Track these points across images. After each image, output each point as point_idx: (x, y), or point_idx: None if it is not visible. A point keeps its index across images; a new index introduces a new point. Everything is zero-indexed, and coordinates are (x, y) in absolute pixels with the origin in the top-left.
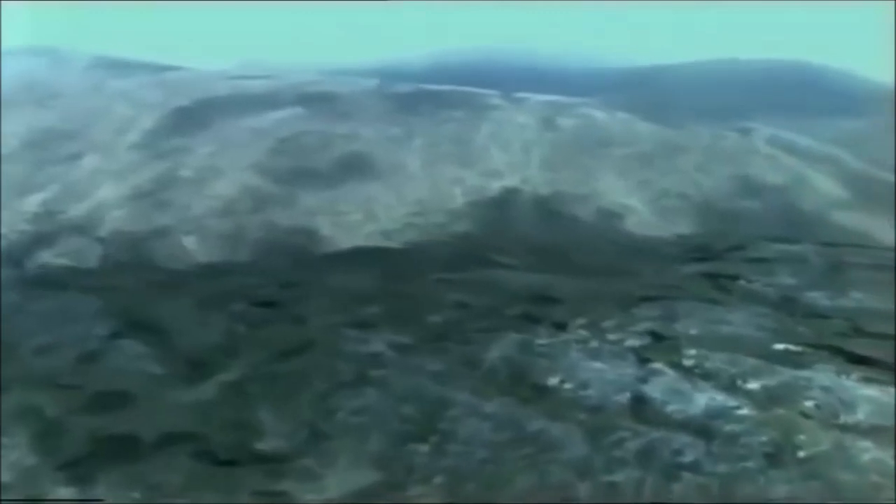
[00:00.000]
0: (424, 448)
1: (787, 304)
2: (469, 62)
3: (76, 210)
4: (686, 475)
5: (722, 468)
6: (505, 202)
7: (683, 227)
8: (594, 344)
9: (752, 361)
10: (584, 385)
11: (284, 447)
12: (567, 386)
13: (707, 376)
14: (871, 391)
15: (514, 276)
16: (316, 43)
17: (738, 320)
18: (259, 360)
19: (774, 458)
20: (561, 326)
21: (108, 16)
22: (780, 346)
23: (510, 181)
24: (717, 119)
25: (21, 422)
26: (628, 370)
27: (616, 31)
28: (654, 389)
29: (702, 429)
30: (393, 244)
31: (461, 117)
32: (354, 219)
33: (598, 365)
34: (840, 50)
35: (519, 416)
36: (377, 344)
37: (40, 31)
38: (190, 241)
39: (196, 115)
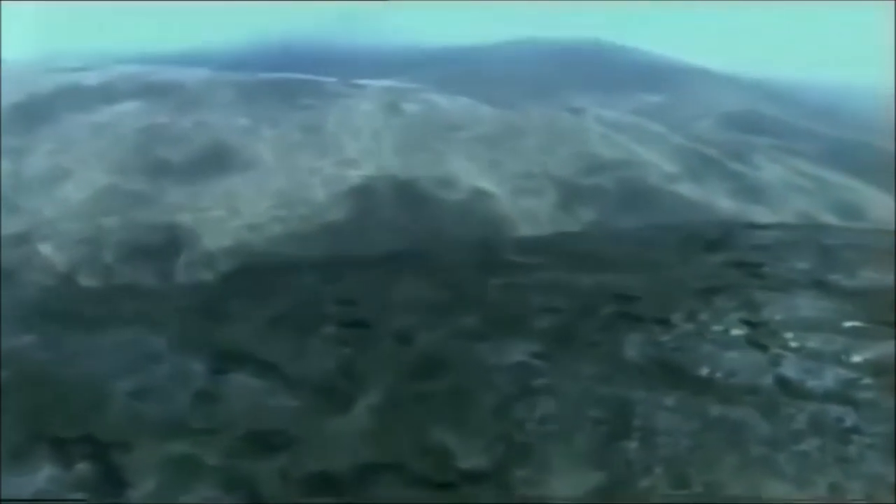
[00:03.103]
0: (633, 444)
1: (820, 287)
2: (278, 48)
3: None
4: (854, 437)
5: (879, 429)
6: (367, 190)
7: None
8: (709, 336)
9: (840, 339)
10: (731, 373)
11: (488, 463)
12: (718, 375)
13: (814, 356)
14: None
15: (562, 276)
16: (129, 29)
17: (801, 304)
18: (390, 382)
19: None
20: (664, 322)
21: None
22: (848, 324)
23: (367, 169)
24: (536, 98)
25: (188, 473)
26: (755, 356)
27: (421, 12)
28: (787, 370)
29: (844, 399)
30: (258, 239)
31: (308, 105)
32: (217, 214)
33: (730, 354)
34: (633, 27)
35: (696, 405)
36: (511, 354)
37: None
38: (46, 248)
39: (29, 110)
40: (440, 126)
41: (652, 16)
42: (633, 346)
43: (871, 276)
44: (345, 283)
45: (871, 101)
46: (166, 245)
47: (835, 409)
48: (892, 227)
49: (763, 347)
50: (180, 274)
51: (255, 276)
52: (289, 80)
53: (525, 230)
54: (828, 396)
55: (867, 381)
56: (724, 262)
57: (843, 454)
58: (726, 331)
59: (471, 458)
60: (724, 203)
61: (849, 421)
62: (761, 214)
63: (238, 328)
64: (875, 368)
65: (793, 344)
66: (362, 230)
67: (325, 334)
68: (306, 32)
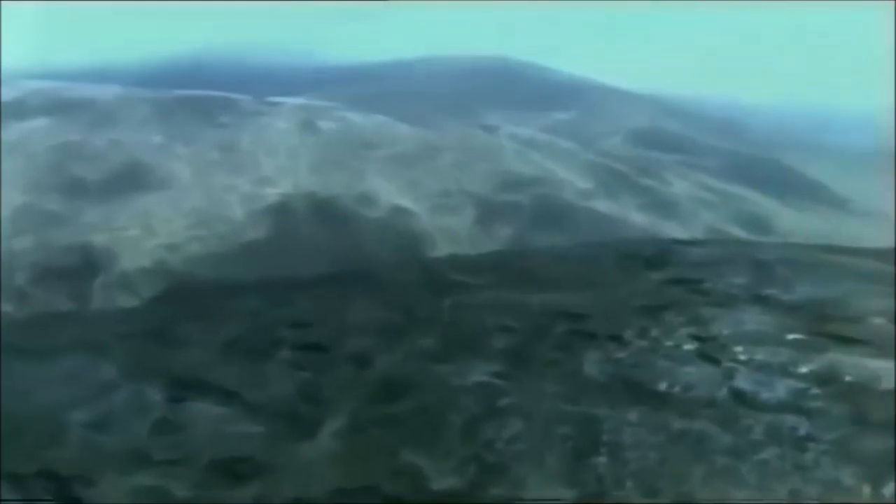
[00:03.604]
0: (603, 460)
1: (760, 301)
2: (190, 64)
3: None
4: (810, 444)
5: (830, 436)
6: (286, 209)
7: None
8: (663, 351)
9: (785, 351)
10: (688, 387)
11: (462, 483)
12: (676, 389)
13: (764, 368)
14: (882, 363)
15: (509, 295)
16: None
17: (745, 318)
18: (353, 405)
19: (861, 422)
20: (617, 339)
21: None
22: (791, 337)
23: (284, 187)
24: (449, 116)
25: None
26: (709, 370)
27: (328, 28)
28: (741, 383)
29: (796, 409)
30: (176, 259)
31: (223, 123)
32: (133, 234)
33: (685, 368)
34: (542, 46)
35: (659, 420)
36: (473, 374)
37: None
38: None
39: None
40: (356, 144)
41: (560, 34)
42: (591, 364)
43: (805, 291)
44: (295, 305)
45: (765, 117)
46: (82, 266)
47: (789, 419)
48: (812, 242)
49: (715, 361)
50: (97, 296)
51: (198, 299)
52: (203, 98)
53: (444, 247)
54: (781, 407)
55: (815, 391)
56: (665, 279)
57: (801, 461)
58: (678, 346)
59: (444, 479)
60: (638, 218)
61: (803, 430)
62: (672, 229)
63: (190, 354)
64: (820, 378)
65: (742, 357)
66: (283, 249)
67: (281, 358)
68: (218, 48)
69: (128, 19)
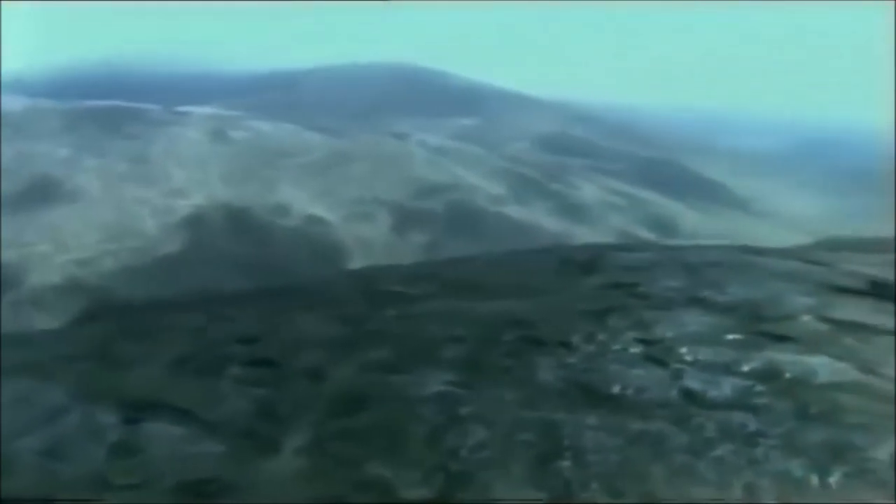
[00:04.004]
0: (567, 464)
1: (697, 303)
2: (96, 74)
3: None
4: (760, 440)
5: (777, 430)
6: (200, 221)
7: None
8: (611, 355)
9: (727, 350)
10: (640, 390)
11: (430, 492)
12: (629, 392)
13: (709, 368)
14: (817, 359)
15: (453, 304)
16: None
17: (686, 321)
18: (313, 420)
19: (803, 416)
20: (566, 345)
21: None
22: (730, 337)
23: (197, 199)
24: (357, 123)
25: None
26: (658, 372)
27: (234, 35)
28: (690, 383)
29: (744, 406)
30: (89, 275)
31: (132, 134)
32: (43, 249)
33: (636, 371)
34: (447, 53)
35: (617, 422)
36: (429, 385)
37: None
38: None
39: None
40: (268, 153)
41: (465, 42)
42: (544, 370)
43: (736, 292)
44: (237, 321)
45: (663, 121)
46: None
47: (738, 416)
48: (715, 242)
49: (663, 363)
50: (7, 313)
51: (131, 316)
52: (112, 108)
53: (360, 255)
54: (729, 404)
55: (759, 388)
56: (602, 284)
57: (752, 456)
58: (625, 349)
59: (412, 490)
60: (549, 223)
61: (752, 426)
62: (583, 233)
63: (137, 374)
64: (762, 376)
65: (688, 358)
66: (199, 262)
67: (233, 375)
68: (125, 58)
69: (37, 27)
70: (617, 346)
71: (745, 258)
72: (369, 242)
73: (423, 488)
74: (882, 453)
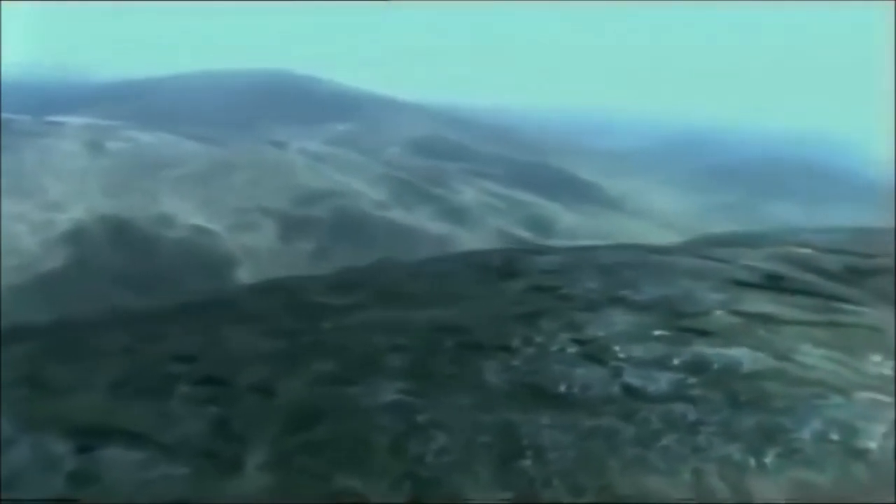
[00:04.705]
0: (528, 462)
1: (618, 303)
2: None
3: None
4: (700, 428)
5: (714, 418)
6: (81, 235)
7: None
8: (551, 356)
9: (657, 346)
10: (585, 387)
11: (401, 498)
12: (575, 390)
13: (643, 364)
14: (737, 351)
15: (384, 314)
16: None
17: (614, 320)
18: (271, 436)
19: (734, 404)
20: (506, 349)
21: None
22: (657, 333)
23: (76, 212)
24: (231, 131)
25: None
26: (598, 370)
27: (101, 43)
28: (629, 379)
29: (681, 397)
30: None
31: (2, 146)
32: None
33: (578, 370)
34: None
35: (568, 420)
36: (382, 394)
37: None
38: None
39: None
40: (147, 164)
41: (336, 47)
42: (491, 374)
43: (651, 290)
44: (167, 339)
45: (535, 122)
46: None
47: (678, 407)
48: (613, 243)
49: (601, 361)
50: None
51: (47, 338)
52: None
53: (248, 265)
54: (668, 397)
55: (692, 380)
56: (524, 288)
57: (696, 444)
58: (563, 350)
59: (382, 498)
60: (433, 227)
61: (691, 416)
62: (465, 236)
63: (79, 399)
64: (693, 368)
65: (622, 355)
66: (84, 277)
67: (181, 395)
68: None
69: None
70: (554, 348)
71: (650, 258)
72: (256, 252)
73: (393, 495)
74: (806, 433)
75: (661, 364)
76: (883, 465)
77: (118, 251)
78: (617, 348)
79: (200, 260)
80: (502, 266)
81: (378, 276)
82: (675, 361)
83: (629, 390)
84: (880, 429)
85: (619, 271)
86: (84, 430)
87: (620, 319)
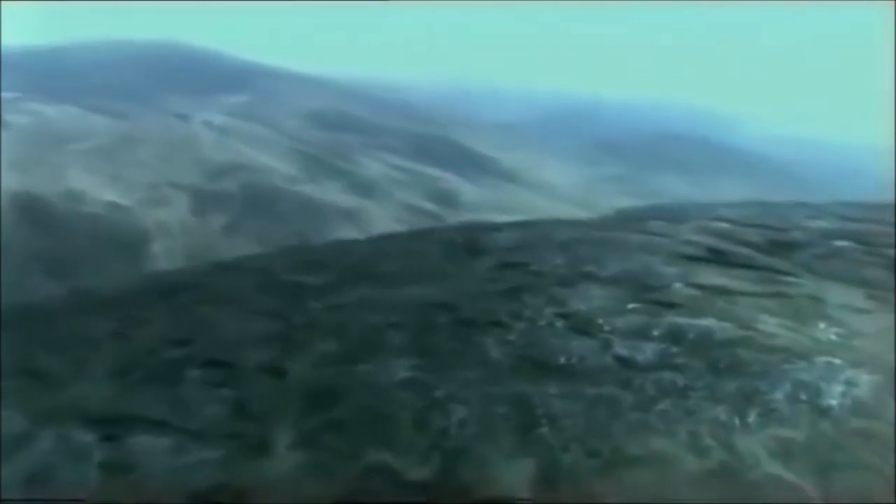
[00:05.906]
0: (545, 430)
1: (587, 278)
2: None
3: None
4: (690, 392)
5: (700, 384)
6: None
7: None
8: (543, 330)
9: (634, 318)
10: (581, 358)
11: (432, 471)
12: (573, 361)
13: (628, 335)
14: (706, 321)
15: (370, 293)
16: None
17: (591, 294)
18: (293, 416)
19: (715, 370)
20: (499, 324)
21: None
22: (631, 306)
23: None
24: (136, 103)
25: None
26: (589, 342)
27: None
28: (619, 350)
29: (668, 366)
30: None
31: None
32: None
33: (572, 343)
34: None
35: (574, 389)
36: (395, 372)
37: None
38: None
39: None
40: (52, 138)
41: (229, 18)
42: (492, 349)
43: (613, 266)
44: (154, 323)
45: (431, 95)
46: None
47: (667, 375)
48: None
49: (589, 334)
50: None
51: (25, 327)
52: None
53: (162, 240)
54: (657, 366)
55: (674, 349)
56: (494, 265)
57: (688, 407)
58: (552, 324)
59: (414, 471)
60: (343, 200)
61: (680, 382)
62: (373, 209)
63: (84, 388)
64: (672, 338)
65: (606, 328)
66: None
67: (192, 379)
68: None
69: None
70: (542, 322)
71: (598, 234)
72: (169, 226)
73: (424, 468)
74: (780, 395)
75: (643, 335)
76: (843, 421)
77: (29, 229)
78: (601, 321)
79: (115, 237)
80: (466, 243)
81: (340, 255)
82: (655, 332)
83: (621, 360)
84: (838, 388)
85: (575, 247)
86: (101, 419)
87: (595, 294)
